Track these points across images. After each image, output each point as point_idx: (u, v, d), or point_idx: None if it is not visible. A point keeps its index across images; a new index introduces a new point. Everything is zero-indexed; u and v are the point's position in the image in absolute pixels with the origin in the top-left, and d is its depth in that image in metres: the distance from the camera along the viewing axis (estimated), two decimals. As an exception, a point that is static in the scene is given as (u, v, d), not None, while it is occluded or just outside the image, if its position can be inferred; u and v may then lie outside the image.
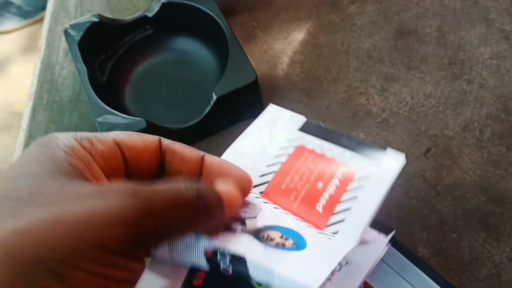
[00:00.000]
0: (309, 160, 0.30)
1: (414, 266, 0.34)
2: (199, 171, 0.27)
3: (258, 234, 0.26)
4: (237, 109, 0.47)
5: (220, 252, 0.25)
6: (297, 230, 0.26)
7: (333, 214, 0.28)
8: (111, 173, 0.25)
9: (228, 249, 0.24)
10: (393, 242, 0.35)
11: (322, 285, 0.23)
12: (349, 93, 0.50)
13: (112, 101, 0.47)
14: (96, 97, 0.46)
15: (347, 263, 0.30)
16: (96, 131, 0.32)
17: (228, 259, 0.25)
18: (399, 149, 0.46)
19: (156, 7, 0.52)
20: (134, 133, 0.26)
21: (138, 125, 0.44)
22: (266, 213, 0.27)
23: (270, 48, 0.54)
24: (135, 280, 0.21)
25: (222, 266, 0.25)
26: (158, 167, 0.27)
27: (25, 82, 1.01)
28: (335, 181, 0.29)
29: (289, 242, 0.25)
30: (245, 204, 0.28)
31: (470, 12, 0.53)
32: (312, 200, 0.29)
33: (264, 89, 0.50)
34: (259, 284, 0.26)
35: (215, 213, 0.24)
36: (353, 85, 0.50)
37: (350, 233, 0.27)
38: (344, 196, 0.28)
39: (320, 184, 0.29)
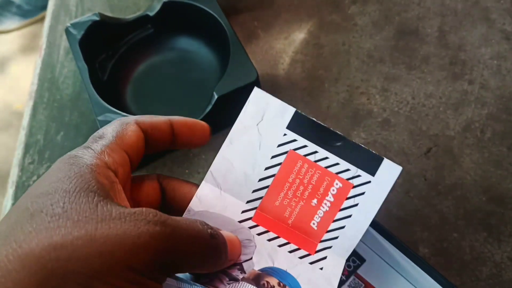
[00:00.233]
0: (302, 171, 0.30)
1: (415, 266, 0.34)
2: None
3: (258, 281, 0.27)
4: (238, 108, 0.47)
5: None
6: (291, 272, 0.28)
7: (327, 231, 0.30)
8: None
9: None
10: (394, 241, 0.35)
11: None
12: (350, 93, 0.50)
13: (113, 100, 0.47)
14: (97, 96, 0.46)
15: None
16: (97, 129, 0.32)
17: None
18: (400, 148, 0.46)
19: (157, 6, 0.52)
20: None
21: (139, 124, 0.44)
22: (261, 250, 0.29)
23: (271, 48, 0.54)
24: None
25: None
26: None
27: (25, 81, 1.01)
28: (330, 199, 0.30)
29: None
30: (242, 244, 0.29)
31: (471, 13, 0.53)
32: (307, 218, 0.30)
33: (265, 88, 0.50)
34: None
35: (222, 253, 0.26)
36: (354, 85, 0.50)
37: (344, 248, 0.29)
38: (339, 215, 0.30)
39: (314, 201, 0.30)
